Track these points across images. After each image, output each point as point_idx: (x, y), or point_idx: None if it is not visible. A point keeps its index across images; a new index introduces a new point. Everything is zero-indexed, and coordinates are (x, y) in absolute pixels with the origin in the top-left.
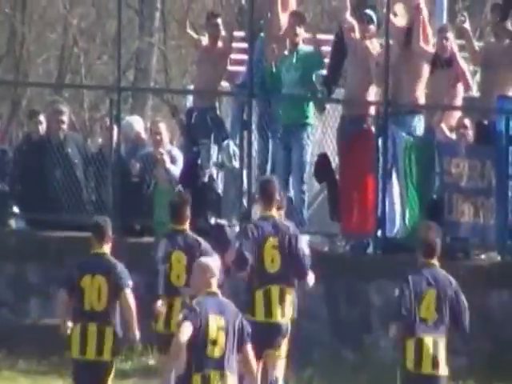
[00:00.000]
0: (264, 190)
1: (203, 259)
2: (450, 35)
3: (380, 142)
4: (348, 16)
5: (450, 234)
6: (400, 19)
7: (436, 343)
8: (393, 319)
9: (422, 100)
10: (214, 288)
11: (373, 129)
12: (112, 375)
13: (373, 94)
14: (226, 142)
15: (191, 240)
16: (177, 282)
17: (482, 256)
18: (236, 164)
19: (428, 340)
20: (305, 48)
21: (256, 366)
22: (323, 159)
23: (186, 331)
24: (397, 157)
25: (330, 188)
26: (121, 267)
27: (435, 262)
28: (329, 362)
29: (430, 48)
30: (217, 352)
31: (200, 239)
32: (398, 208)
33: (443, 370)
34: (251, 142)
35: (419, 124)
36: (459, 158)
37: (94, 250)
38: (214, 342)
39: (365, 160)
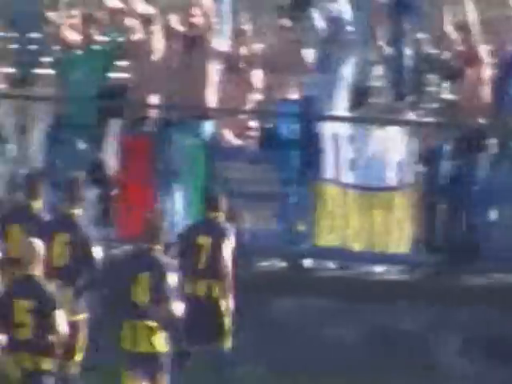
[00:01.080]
0: None
1: None
2: (245, 39)
3: (161, 146)
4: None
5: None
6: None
7: None
8: None
9: (210, 104)
10: None
11: (154, 132)
12: None
13: (155, 97)
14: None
15: None
16: None
17: (265, 263)
18: None
19: None
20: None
21: None
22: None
23: None
24: (181, 161)
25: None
26: None
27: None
28: None
29: (222, 51)
30: None
31: None
32: (181, 211)
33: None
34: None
35: (205, 129)
36: (242, 163)
37: None
38: None
39: (145, 164)
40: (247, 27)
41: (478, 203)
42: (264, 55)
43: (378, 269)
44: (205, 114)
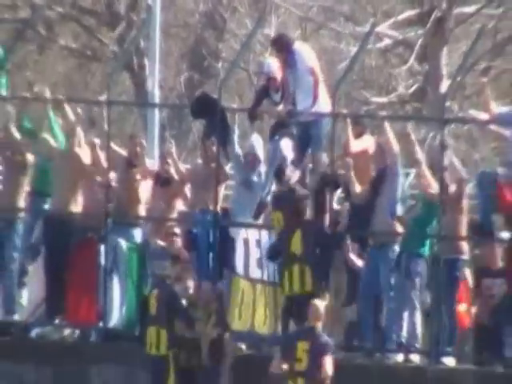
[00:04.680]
0: None
1: None
2: (171, 160)
3: (103, 248)
4: None
5: None
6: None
7: None
8: None
9: (141, 213)
10: None
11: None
12: None
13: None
14: None
15: None
16: None
17: None
18: None
19: None
20: None
21: None
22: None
23: None
24: (118, 260)
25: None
26: None
27: None
28: None
29: (152, 170)
30: None
31: None
32: (117, 303)
33: None
34: None
35: (138, 234)
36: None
37: None
38: None
39: (90, 262)
40: (173, 150)
41: None
42: (188, 174)
43: None
44: (138, 221)
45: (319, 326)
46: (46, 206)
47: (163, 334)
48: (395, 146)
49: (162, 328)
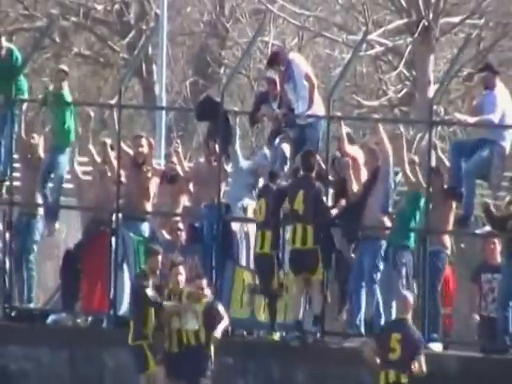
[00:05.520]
0: None
1: None
2: (175, 158)
3: (113, 240)
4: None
5: None
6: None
7: None
8: None
9: (149, 209)
10: None
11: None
12: None
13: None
14: None
15: None
16: None
17: None
18: None
19: None
20: None
21: None
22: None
23: None
24: (128, 252)
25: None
26: None
27: None
28: None
29: (158, 169)
30: None
31: None
32: (127, 292)
33: None
34: None
35: (146, 228)
36: (174, 254)
37: None
38: None
39: (102, 254)
40: (180, 149)
41: None
42: (191, 172)
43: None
44: (145, 216)
45: (409, 317)
46: None
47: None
48: (387, 146)
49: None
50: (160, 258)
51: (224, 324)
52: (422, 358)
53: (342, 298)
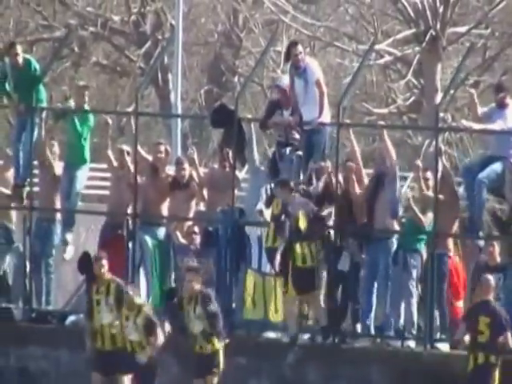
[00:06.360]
0: None
1: None
2: (187, 165)
3: (130, 244)
4: None
5: None
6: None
7: None
8: None
9: (164, 213)
10: None
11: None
12: None
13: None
14: None
15: None
16: None
17: None
18: None
19: None
20: None
21: None
22: (85, 256)
23: None
24: (145, 256)
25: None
26: None
27: None
28: None
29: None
30: None
31: None
32: (144, 294)
33: None
34: None
35: (161, 232)
36: (189, 257)
37: None
38: None
39: (119, 257)
40: (195, 156)
41: None
42: (206, 177)
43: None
44: (161, 220)
45: (492, 298)
46: None
47: None
48: (392, 152)
49: None
50: None
51: None
52: (509, 335)
53: (341, 311)
